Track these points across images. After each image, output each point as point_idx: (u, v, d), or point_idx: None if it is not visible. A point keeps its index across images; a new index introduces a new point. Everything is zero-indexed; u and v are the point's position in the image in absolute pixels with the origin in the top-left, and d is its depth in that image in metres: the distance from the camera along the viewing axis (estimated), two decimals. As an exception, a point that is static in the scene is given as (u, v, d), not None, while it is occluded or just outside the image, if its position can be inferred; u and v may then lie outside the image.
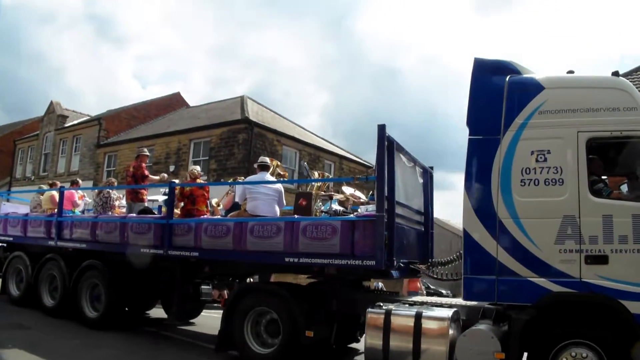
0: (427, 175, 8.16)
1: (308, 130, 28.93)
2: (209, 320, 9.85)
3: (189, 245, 7.80)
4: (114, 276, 8.74)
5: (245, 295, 7.36)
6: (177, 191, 8.17)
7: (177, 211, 8.42)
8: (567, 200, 5.84)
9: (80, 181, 11.48)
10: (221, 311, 12.01)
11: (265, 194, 7.58)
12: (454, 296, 10.49)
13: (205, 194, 8.20)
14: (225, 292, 9.78)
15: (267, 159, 7.93)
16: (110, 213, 9.54)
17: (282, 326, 6.93)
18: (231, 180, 9.12)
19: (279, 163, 8.23)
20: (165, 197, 9.96)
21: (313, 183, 8.31)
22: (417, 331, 6.10)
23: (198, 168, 8.90)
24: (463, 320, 6.29)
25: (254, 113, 23.78)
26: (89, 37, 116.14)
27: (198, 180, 8.52)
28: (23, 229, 10.56)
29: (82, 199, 10.92)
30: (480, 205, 6.19)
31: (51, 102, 32.31)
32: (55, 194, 10.56)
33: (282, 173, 8.37)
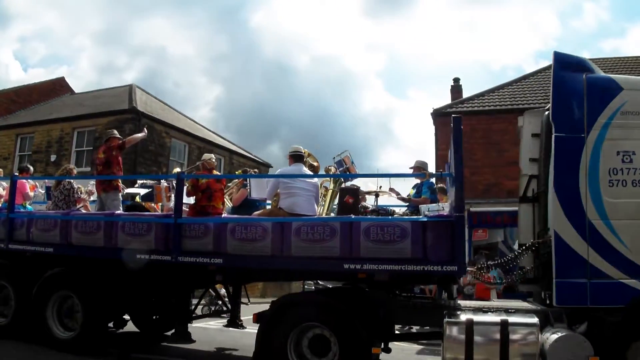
0: None
1: (198, 123, 26.48)
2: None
3: (206, 250, 5.71)
4: (94, 288, 6.30)
5: (288, 309, 5.54)
6: (188, 184, 5.99)
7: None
8: (655, 202, 5.12)
9: (31, 168, 8.37)
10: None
11: (305, 189, 5.78)
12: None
13: (223, 188, 6.12)
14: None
15: (301, 148, 6.06)
16: (79, 208, 6.95)
17: (338, 344, 5.26)
18: (240, 172, 6.94)
19: (310, 152, 6.40)
20: (147, 190, 7.56)
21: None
22: (505, 341, 4.95)
23: (213, 157, 6.60)
24: None
25: (142, 103, 20.97)
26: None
27: (214, 172, 6.34)
28: None
29: (33, 190, 7.98)
30: (569, 205, 5.23)
31: None
32: (-2, 184, 7.64)
33: (315, 164, 6.53)
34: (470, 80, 56.41)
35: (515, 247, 11.91)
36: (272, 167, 27.22)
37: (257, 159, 26.57)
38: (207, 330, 7.81)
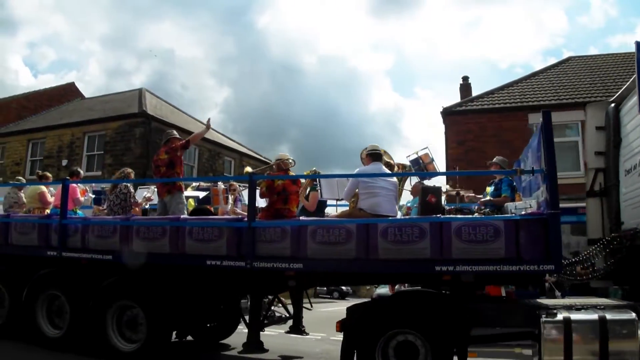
0: None
1: None
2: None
3: (283, 254, 5.31)
4: (159, 297, 5.85)
5: (374, 315, 5.16)
6: (262, 185, 5.58)
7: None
8: None
9: (82, 172, 7.80)
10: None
11: (386, 189, 5.41)
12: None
13: (298, 191, 5.72)
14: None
15: (378, 146, 5.70)
16: (131, 213, 6.50)
17: (431, 350, 4.91)
18: (310, 172, 6.46)
19: (385, 150, 6.02)
20: (204, 193, 7.11)
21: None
22: (604, 338, 4.67)
23: (290, 156, 6.19)
24: None
25: (152, 106, 20.62)
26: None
27: (290, 173, 5.91)
28: (2, 235, 6.80)
29: (84, 195, 7.48)
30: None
31: None
32: (46, 189, 7.11)
33: (393, 163, 6.16)
34: (478, 78, 56.77)
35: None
36: (281, 167, 26.81)
37: (267, 160, 26.16)
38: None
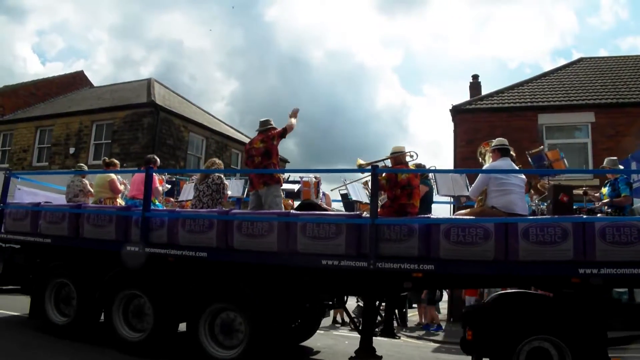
0: None
1: (216, 118, 25.46)
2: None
3: (409, 254, 4.91)
4: (264, 301, 5.32)
5: (514, 321, 4.83)
6: (382, 177, 5.19)
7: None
8: None
9: (158, 160, 7.00)
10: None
11: (519, 185, 5.12)
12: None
13: (418, 185, 5.36)
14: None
15: (505, 140, 5.38)
16: (221, 206, 5.98)
17: (571, 356, 4.68)
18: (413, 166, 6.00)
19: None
20: (298, 186, 6.64)
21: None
22: None
23: (405, 148, 5.70)
24: None
25: (160, 97, 19.99)
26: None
27: (410, 166, 5.51)
28: (72, 227, 6.13)
29: (162, 184, 6.84)
30: None
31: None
32: (115, 177, 6.46)
33: (514, 157, 5.83)
34: (486, 77, 56.87)
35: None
36: (289, 162, 26.26)
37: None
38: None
